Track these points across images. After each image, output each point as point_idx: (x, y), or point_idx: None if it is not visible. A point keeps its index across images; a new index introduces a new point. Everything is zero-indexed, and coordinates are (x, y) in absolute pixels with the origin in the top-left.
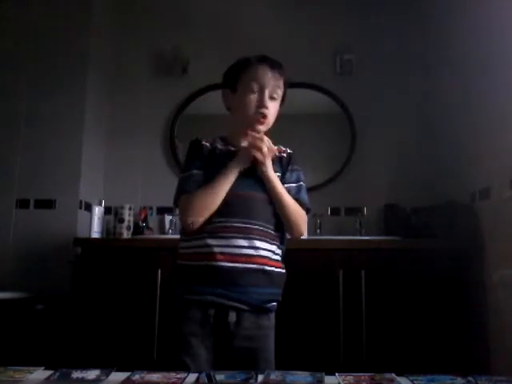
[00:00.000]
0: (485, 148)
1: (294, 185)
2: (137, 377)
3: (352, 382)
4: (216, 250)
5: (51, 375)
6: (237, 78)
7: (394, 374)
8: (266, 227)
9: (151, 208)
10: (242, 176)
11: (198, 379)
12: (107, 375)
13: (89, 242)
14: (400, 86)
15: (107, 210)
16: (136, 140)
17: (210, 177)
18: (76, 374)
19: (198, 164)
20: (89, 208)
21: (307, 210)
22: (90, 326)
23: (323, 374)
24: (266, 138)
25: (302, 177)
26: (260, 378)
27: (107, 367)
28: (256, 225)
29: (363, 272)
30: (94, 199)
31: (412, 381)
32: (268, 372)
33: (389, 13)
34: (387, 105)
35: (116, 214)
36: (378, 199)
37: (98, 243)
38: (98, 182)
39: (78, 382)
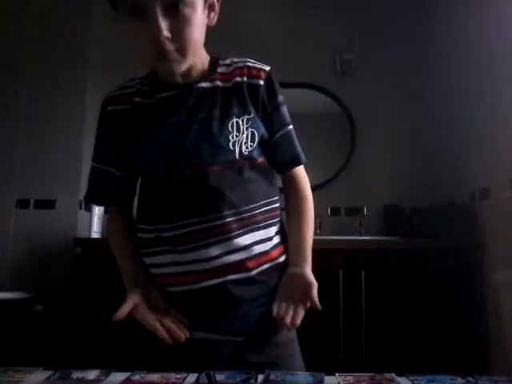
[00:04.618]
0: (485, 148)
1: (283, 132)
2: (137, 377)
3: (352, 381)
4: (187, 267)
5: (51, 375)
6: None
7: (393, 374)
8: (255, 207)
9: None
10: (187, 135)
11: (197, 379)
12: (107, 375)
13: (89, 242)
14: (400, 86)
15: (107, 210)
16: None
17: (134, 147)
18: (76, 374)
19: (109, 150)
20: (89, 208)
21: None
22: (89, 326)
23: (323, 373)
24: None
25: (286, 110)
26: (260, 377)
27: (107, 367)
28: (233, 215)
29: (363, 272)
30: None
31: (412, 381)
32: (268, 372)
33: (389, 12)
34: (387, 105)
35: None
36: (378, 199)
37: (98, 243)
38: None
39: (78, 382)
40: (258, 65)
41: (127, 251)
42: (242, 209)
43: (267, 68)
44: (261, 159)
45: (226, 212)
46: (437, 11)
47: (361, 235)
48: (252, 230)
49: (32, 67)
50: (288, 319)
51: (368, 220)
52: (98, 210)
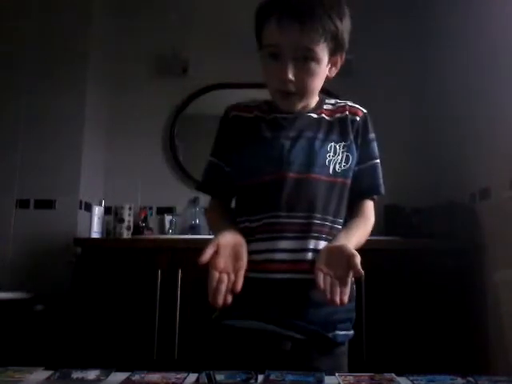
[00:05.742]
0: (485, 148)
1: (369, 164)
2: (137, 377)
3: (352, 381)
4: (263, 256)
5: (51, 375)
6: (258, 36)
7: (393, 374)
8: (330, 220)
9: (151, 208)
10: (293, 147)
11: (197, 379)
12: (107, 375)
13: (89, 242)
14: (400, 86)
15: (107, 210)
16: (136, 140)
17: (250, 153)
18: (76, 374)
19: (225, 148)
20: (89, 208)
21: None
22: (89, 326)
23: (323, 373)
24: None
25: (376, 147)
26: (260, 377)
27: (107, 367)
28: (321, 220)
29: (363, 272)
30: (94, 199)
31: (412, 381)
32: (268, 372)
33: (389, 12)
34: (387, 105)
35: (116, 214)
36: (378, 199)
37: (98, 243)
38: (98, 182)
39: (77, 382)
40: (357, 105)
41: (225, 220)
42: (329, 218)
43: (364, 110)
44: (349, 181)
45: (317, 215)
46: (437, 11)
47: None
48: (327, 240)
49: (32, 67)
50: (337, 298)
51: None
52: (97, 210)
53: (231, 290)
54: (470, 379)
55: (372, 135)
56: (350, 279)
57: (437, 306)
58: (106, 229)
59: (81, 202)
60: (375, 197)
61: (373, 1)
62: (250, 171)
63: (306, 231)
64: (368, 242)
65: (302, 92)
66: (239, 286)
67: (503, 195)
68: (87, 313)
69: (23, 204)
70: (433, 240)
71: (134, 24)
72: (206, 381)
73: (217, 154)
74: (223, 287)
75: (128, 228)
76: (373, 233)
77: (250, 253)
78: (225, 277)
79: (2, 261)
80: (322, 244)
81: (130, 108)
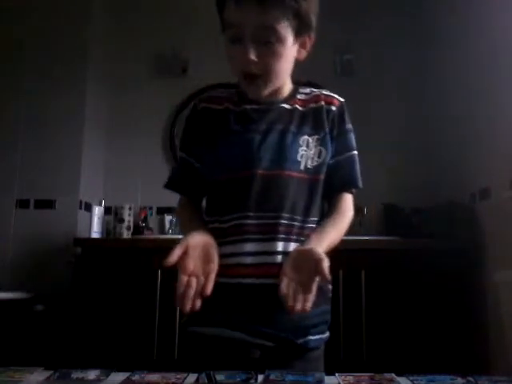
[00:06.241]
0: (485, 148)
1: (346, 156)
2: (137, 377)
3: (352, 381)
4: (231, 260)
5: (51, 375)
6: (220, 18)
7: (393, 374)
8: (299, 220)
9: (151, 208)
10: (263, 141)
11: (197, 379)
12: (107, 375)
13: (89, 242)
14: (400, 86)
15: (107, 210)
16: (136, 140)
17: (221, 148)
18: (76, 374)
19: (194, 143)
20: (89, 208)
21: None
22: (89, 326)
23: (323, 373)
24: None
25: (354, 138)
26: (260, 378)
27: (107, 367)
28: (288, 220)
29: (363, 272)
30: (94, 199)
31: (412, 381)
32: (268, 372)
33: (389, 12)
34: (387, 105)
35: (116, 214)
36: (378, 199)
37: (98, 243)
38: (98, 182)
39: (77, 382)
40: (333, 94)
41: (195, 221)
42: (297, 217)
43: (341, 99)
44: (322, 177)
45: (284, 215)
46: (437, 10)
47: (361, 235)
48: (298, 241)
49: (32, 67)
50: (298, 305)
51: (368, 220)
52: (97, 210)
53: (200, 293)
54: (470, 379)
55: (349, 126)
56: (316, 285)
57: (437, 306)
58: (106, 229)
59: (81, 202)
60: (353, 190)
61: (373, 1)
62: (219, 168)
63: (272, 232)
64: (368, 242)
65: (267, 74)
66: (209, 289)
67: (503, 195)
68: (87, 313)
69: (23, 204)
70: (433, 240)
71: (134, 24)
72: (206, 381)
73: (186, 149)
74: (191, 292)
75: (128, 228)
76: (373, 233)
77: (220, 256)
78: (193, 281)
79: (2, 261)
80: (293, 246)
81: (130, 108)
